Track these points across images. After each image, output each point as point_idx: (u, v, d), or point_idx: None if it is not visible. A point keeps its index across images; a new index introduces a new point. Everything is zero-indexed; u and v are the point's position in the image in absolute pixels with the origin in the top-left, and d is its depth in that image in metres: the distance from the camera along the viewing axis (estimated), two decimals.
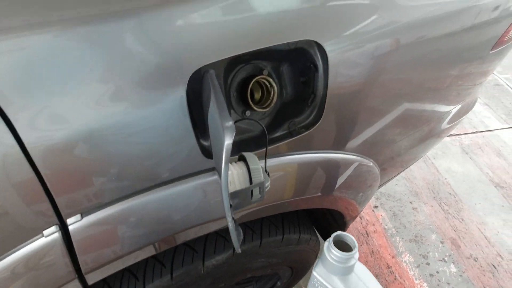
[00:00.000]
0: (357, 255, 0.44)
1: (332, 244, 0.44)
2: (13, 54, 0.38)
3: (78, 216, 0.49)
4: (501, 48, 0.80)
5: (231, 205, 0.38)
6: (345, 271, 0.44)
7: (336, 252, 0.43)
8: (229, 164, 0.42)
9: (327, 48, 0.53)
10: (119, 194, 0.51)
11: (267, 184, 0.46)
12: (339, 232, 0.45)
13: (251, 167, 0.42)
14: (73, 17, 0.40)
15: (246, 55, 0.49)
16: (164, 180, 0.52)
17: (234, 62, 0.51)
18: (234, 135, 0.35)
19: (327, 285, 0.45)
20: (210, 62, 0.45)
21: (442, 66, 0.74)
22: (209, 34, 0.45)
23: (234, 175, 0.42)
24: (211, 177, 0.56)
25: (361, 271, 0.44)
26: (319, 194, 0.74)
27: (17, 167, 0.41)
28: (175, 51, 0.44)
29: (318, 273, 0.46)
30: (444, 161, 1.93)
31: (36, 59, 0.39)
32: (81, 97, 0.41)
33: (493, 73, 2.66)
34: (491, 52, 0.78)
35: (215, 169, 0.54)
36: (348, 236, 0.44)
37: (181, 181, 0.54)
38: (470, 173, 1.88)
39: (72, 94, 0.41)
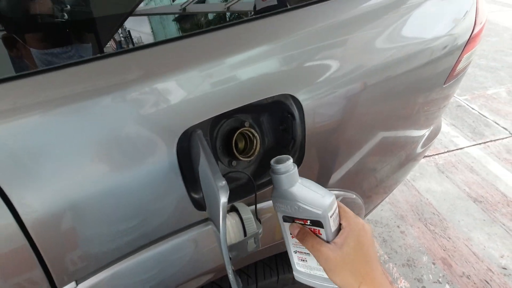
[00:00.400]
0: (291, 165, 0.47)
1: (272, 163, 0.48)
2: (6, 138, 0.40)
3: (73, 284, 0.48)
4: (453, 80, 0.89)
5: (230, 258, 0.39)
6: (290, 182, 0.46)
7: (273, 166, 0.47)
8: None
9: (301, 98, 0.58)
10: (113, 257, 0.50)
11: (260, 231, 0.47)
12: (278, 156, 0.49)
13: (243, 217, 0.44)
14: (59, 97, 0.43)
15: (228, 111, 0.52)
16: (158, 237, 0.53)
17: (218, 118, 0.55)
18: (228, 193, 0.37)
19: (281, 200, 0.48)
20: (196, 122, 0.49)
21: (408, 96, 0.82)
22: (195, 98, 0.49)
23: (229, 227, 0.43)
24: (204, 228, 0.56)
25: (306, 181, 0.48)
26: None
27: (11, 236, 0.41)
28: (163, 117, 0.48)
29: (273, 196, 0.49)
30: (423, 182, 2.01)
31: (28, 139, 0.41)
32: (73, 168, 0.43)
33: (454, 96, 2.87)
34: (444, 86, 0.87)
35: (208, 220, 0.55)
36: (285, 156, 0.49)
37: (175, 236, 0.54)
38: (449, 191, 1.95)
39: (64, 167, 0.43)
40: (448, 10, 0.78)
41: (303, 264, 0.50)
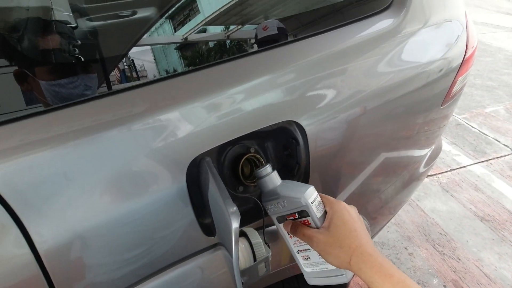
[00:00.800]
0: (270, 169, 0.54)
1: (255, 170, 0.54)
2: (24, 171, 0.42)
3: None
4: (450, 102, 0.91)
5: (242, 283, 0.39)
6: (272, 182, 0.53)
7: (256, 172, 0.54)
8: None
9: (304, 124, 0.60)
10: (121, 286, 0.50)
11: (269, 255, 0.48)
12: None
13: (253, 242, 0.44)
14: (68, 131, 0.45)
15: (234, 139, 0.54)
16: (168, 263, 0.53)
17: (224, 145, 0.57)
18: (239, 219, 0.38)
19: (270, 200, 0.53)
20: (204, 150, 0.51)
21: (408, 117, 0.84)
22: (203, 128, 0.52)
23: (238, 252, 0.44)
24: (213, 254, 0.56)
25: (287, 181, 0.54)
26: None
27: (27, 265, 0.42)
28: (173, 147, 0.50)
29: (263, 200, 0.55)
30: (428, 202, 1.99)
31: (43, 172, 0.43)
32: (85, 198, 0.44)
33: (453, 115, 2.90)
34: (441, 107, 0.89)
35: (217, 246, 0.56)
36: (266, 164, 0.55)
37: (184, 262, 0.54)
38: (455, 210, 1.93)
39: (77, 197, 0.44)
40: (440, 36, 0.82)
41: (308, 263, 0.52)
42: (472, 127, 2.75)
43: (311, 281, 0.51)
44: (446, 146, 2.49)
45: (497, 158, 2.39)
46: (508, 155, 2.43)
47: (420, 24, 0.77)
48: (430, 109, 0.90)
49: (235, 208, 0.40)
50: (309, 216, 0.49)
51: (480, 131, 2.69)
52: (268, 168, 0.54)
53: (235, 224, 0.38)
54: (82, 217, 0.44)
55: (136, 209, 0.47)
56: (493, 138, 2.61)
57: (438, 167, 2.27)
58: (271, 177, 0.53)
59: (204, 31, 1.00)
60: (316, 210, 0.49)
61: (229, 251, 0.38)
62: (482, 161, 2.35)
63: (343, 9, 0.81)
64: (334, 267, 0.48)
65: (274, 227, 0.66)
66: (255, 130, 0.56)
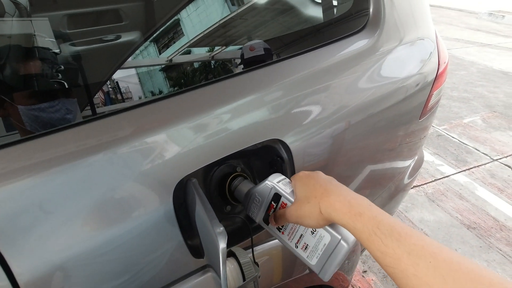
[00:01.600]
0: (242, 178, 0.58)
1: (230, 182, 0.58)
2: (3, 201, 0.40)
3: None
4: (428, 115, 0.95)
5: None
6: (246, 187, 0.56)
7: (232, 185, 0.58)
8: None
9: (288, 141, 0.61)
10: None
11: (258, 274, 0.47)
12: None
13: (241, 261, 0.44)
14: (51, 158, 0.44)
15: (221, 159, 0.54)
16: None
17: (211, 165, 0.57)
18: (226, 239, 0.38)
19: (249, 204, 0.54)
20: (191, 172, 0.51)
21: (390, 130, 0.87)
22: (189, 149, 0.52)
23: (227, 272, 0.43)
24: (202, 277, 0.55)
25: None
26: (307, 271, 0.75)
27: None
28: (159, 169, 0.49)
29: (245, 210, 0.56)
30: (415, 212, 2.02)
31: (24, 201, 0.42)
32: (69, 226, 0.43)
33: (433, 126, 3.00)
34: (420, 120, 0.93)
35: (206, 268, 0.54)
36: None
37: (174, 286, 0.53)
38: (442, 220, 1.96)
39: (60, 226, 0.43)
40: (415, 53, 0.86)
41: (310, 253, 0.50)
42: (453, 137, 2.85)
43: (325, 275, 0.48)
44: (429, 156, 2.55)
45: (478, 166, 2.47)
46: (488, 163, 2.51)
47: (396, 42, 0.81)
48: (410, 122, 0.94)
49: (222, 228, 0.39)
50: (281, 196, 0.50)
51: (460, 141, 2.78)
52: (239, 178, 0.56)
53: (222, 245, 0.37)
54: (64, 246, 0.43)
55: (121, 234, 0.46)
56: (473, 148, 2.70)
57: (423, 177, 2.32)
58: (243, 184, 0.56)
59: (188, 52, 1.03)
60: (284, 188, 0.51)
61: (217, 272, 0.38)
62: (464, 170, 2.42)
63: (323, 29, 0.84)
64: (328, 238, 0.46)
65: (263, 245, 0.65)
66: (240, 149, 0.56)
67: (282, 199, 0.50)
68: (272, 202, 0.51)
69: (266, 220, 0.54)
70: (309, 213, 0.45)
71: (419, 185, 2.24)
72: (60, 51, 0.73)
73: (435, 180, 2.30)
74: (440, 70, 0.87)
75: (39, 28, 0.69)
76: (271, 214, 0.53)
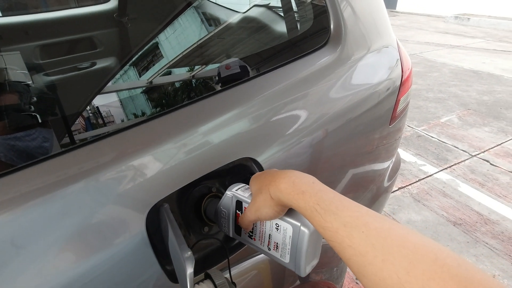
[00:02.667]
0: (211, 199, 0.58)
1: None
2: None
3: None
4: (397, 120, 0.99)
5: None
6: (214, 207, 0.57)
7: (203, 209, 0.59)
8: (196, 285, 0.45)
9: (260, 158, 0.63)
10: None
11: None
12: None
13: (217, 283, 0.45)
14: (29, 190, 0.43)
15: (195, 180, 0.55)
16: None
17: (186, 188, 0.57)
18: (194, 263, 0.39)
19: (220, 222, 0.55)
20: (164, 196, 0.51)
21: (367, 133, 0.90)
22: (160, 173, 0.52)
23: None
24: None
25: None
26: (298, 283, 0.75)
27: None
28: (130, 196, 0.49)
29: (219, 228, 0.57)
30: (403, 214, 2.05)
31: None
32: (40, 263, 0.43)
33: (412, 127, 3.09)
34: (390, 126, 0.97)
35: None
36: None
37: None
38: (429, 219, 2.00)
39: (32, 260, 0.42)
40: (383, 60, 0.90)
41: (281, 250, 0.49)
42: (432, 137, 2.93)
43: (300, 270, 0.47)
44: (411, 157, 2.62)
45: (458, 163, 2.54)
46: (467, 159, 2.59)
47: (365, 50, 0.85)
48: (384, 125, 0.97)
49: (189, 253, 0.40)
50: (242, 202, 0.51)
51: (440, 140, 2.87)
52: (209, 198, 0.57)
53: (189, 269, 0.38)
54: (39, 282, 0.42)
55: (97, 265, 0.45)
56: (452, 145, 2.79)
57: (407, 178, 2.37)
58: (212, 203, 0.57)
59: (169, 72, 1.04)
60: (243, 193, 0.51)
61: None
62: (446, 168, 2.49)
63: (290, 46, 0.87)
64: (291, 229, 0.46)
65: (250, 260, 0.65)
66: (214, 169, 0.57)
67: (243, 204, 0.51)
68: (237, 211, 0.52)
69: (238, 232, 0.54)
70: (263, 202, 0.45)
71: (404, 187, 2.29)
72: (33, 82, 0.73)
73: (419, 180, 2.36)
74: (404, 77, 0.91)
75: (10, 61, 0.69)
76: (239, 225, 0.53)
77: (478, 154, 2.66)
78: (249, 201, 0.49)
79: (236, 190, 0.52)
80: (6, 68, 0.67)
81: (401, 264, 0.29)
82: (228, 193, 0.52)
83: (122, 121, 0.69)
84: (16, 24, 0.85)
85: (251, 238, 0.52)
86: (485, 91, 3.91)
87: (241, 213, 0.51)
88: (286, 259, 0.48)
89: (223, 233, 0.59)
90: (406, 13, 9.87)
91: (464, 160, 2.58)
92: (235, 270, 0.61)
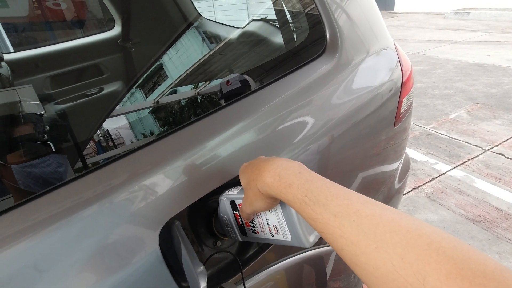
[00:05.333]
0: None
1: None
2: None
3: None
4: (402, 121, 0.99)
5: None
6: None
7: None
8: None
9: None
10: None
11: None
12: None
13: None
14: (47, 216, 0.45)
15: (205, 196, 0.56)
16: None
17: (196, 204, 0.58)
18: (207, 278, 0.39)
19: (224, 227, 0.56)
20: (174, 214, 0.52)
21: (373, 136, 0.90)
22: (170, 191, 0.53)
23: None
24: None
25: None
26: None
27: None
28: (144, 215, 0.50)
29: (227, 235, 0.58)
30: (419, 215, 2.02)
31: (20, 264, 0.42)
32: (66, 282, 0.44)
33: (421, 126, 3.06)
34: (394, 127, 0.97)
35: None
36: None
37: None
38: (446, 218, 1.96)
39: (58, 282, 0.43)
40: (383, 62, 0.91)
41: (282, 232, 0.49)
42: (442, 134, 2.90)
43: (301, 242, 0.47)
44: (422, 157, 2.59)
45: (472, 159, 2.50)
46: (481, 154, 2.54)
47: (364, 54, 0.87)
48: (390, 126, 0.97)
49: (202, 267, 0.41)
50: (235, 200, 0.52)
51: (450, 137, 2.83)
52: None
53: (202, 284, 0.39)
54: None
55: (115, 285, 0.47)
56: (464, 141, 2.74)
57: (420, 178, 2.34)
58: (217, 216, 0.57)
59: (175, 91, 1.07)
60: (233, 191, 0.53)
61: None
62: (459, 165, 2.44)
63: (295, 54, 0.89)
64: (278, 206, 0.46)
65: (266, 271, 0.65)
66: (223, 183, 0.58)
67: (237, 202, 0.51)
68: (234, 212, 0.52)
69: (244, 232, 0.54)
70: (254, 197, 0.44)
71: (418, 187, 2.26)
72: (45, 112, 0.77)
73: (432, 179, 2.32)
74: (405, 78, 0.92)
75: (24, 94, 0.72)
76: (246, 226, 0.53)
77: (491, 148, 2.61)
78: (241, 196, 0.49)
79: (227, 193, 0.53)
80: (20, 101, 0.71)
81: (395, 251, 0.28)
82: (221, 197, 0.54)
83: (132, 142, 0.71)
84: (27, 58, 0.89)
85: (255, 233, 0.53)
86: (493, 84, 3.85)
87: (238, 212, 0.52)
88: (288, 237, 0.48)
89: (235, 246, 0.59)
90: (404, 13, 9.89)
91: (478, 155, 2.53)
92: (251, 282, 0.61)
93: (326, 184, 0.38)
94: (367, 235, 0.31)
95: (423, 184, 2.28)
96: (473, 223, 1.90)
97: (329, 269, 0.78)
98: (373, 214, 0.32)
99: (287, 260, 0.68)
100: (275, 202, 0.45)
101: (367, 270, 0.30)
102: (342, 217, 0.33)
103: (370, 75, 0.87)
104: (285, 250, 0.69)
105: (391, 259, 0.28)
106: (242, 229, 0.54)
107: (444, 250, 0.27)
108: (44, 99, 0.82)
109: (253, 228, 0.52)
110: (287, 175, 0.40)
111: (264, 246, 0.65)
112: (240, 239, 0.55)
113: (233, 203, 0.52)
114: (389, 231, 0.30)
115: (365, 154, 0.90)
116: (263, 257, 0.64)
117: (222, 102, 0.81)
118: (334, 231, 0.33)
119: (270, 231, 0.50)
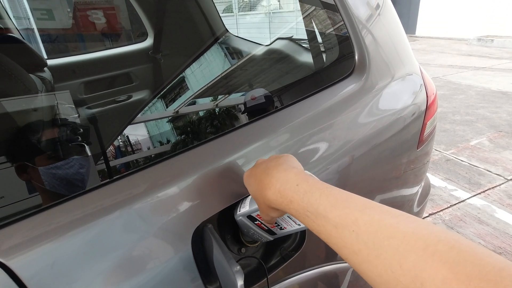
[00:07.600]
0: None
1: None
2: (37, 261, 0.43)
3: None
4: (424, 144, 0.99)
5: None
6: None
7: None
8: None
9: None
10: None
11: None
12: None
13: None
14: (72, 220, 0.47)
15: (234, 203, 0.58)
16: None
17: (224, 210, 0.59)
18: (243, 276, 0.40)
19: (246, 231, 0.56)
20: (206, 218, 0.54)
21: (394, 158, 0.90)
22: (203, 198, 0.55)
23: None
24: None
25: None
26: None
27: None
28: (177, 219, 0.52)
29: (253, 238, 0.58)
30: None
31: (49, 265, 0.44)
32: (96, 283, 0.46)
33: (440, 151, 3.00)
34: (417, 150, 0.96)
35: None
36: None
37: None
38: None
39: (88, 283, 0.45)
40: (407, 86, 0.92)
41: (287, 223, 0.52)
42: (462, 161, 2.83)
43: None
44: (440, 182, 2.52)
45: (493, 188, 2.42)
46: (503, 183, 2.46)
47: (389, 78, 0.88)
48: (412, 149, 0.97)
49: (238, 267, 0.41)
50: (251, 214, 0.53)
51: (470, 164, 2.76)
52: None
53: (240, 282, 0.39)
54: None
55: (142, 285, 0.48)
56: (484, 169, 2.67)
57: (438, 204, 2.27)
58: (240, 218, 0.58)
59: (194, 103, 1.10)
60: (245, 206, 0.54)
61: None
62: (479, 193, 2.37)
63: (317, 76, 0.91)
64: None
65: (291, 279, 0.66)
66: (247, 195, 0.59)
67: (253, 214, 0.53)
68: (255, 222, 0.54)
69: (272, 233, 0.56)
70: (267, 210, 0.46)
71: (435, 213, 2.19)
72: (79, 115, 0.81)
73: (450, 206, 2.26)
74: (429, 102, 0.92)
75: (61, 98, 0.77)
76: (268, 227, 0.55)
77: None
78: (254, 208, 0.51)
79: (240, 211, 0.55)
80: (57, 103, 0.75)
81: (393, 258, 0.29)
82: (236, 218, 0.55)
83: (163, 147, 0.74)
84: (66, 64, 0.95)
85: (283, 229, 0.55)
86: None
87: (259, 222, 0.54)
88: (299, 225, 0.51)
89: (259, 253, 0.60)
90: (426, 38, 9.87)
91: (500, 185, 2.45)
92: None
93: (324, 192, 0.38)
94: (367, 244, 0.31)
95: (440, 210, 2.21)
96: None
97: (344, 286, 0.77)
98: (371, 221, 0.33)
99: (302, 275, 0.68)
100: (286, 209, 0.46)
101: (371, 278, 0.31)
102: (342, 228, 0.34)
103: (392, 99, 0.87)
104: (302, 267, 0.69)
105: (391, 266, 0.29)
106: (269, 231, 0.56)
107: (440, 254, 0.27)
108: (78, 104, 0.87)
109: (279, 226, 0.54)
110: (286, 190, 0.41)
111: (286, 256, 0.65)
112: (272, 239, 0.57)
113: (250, 217, 0.54)
114: (387, 238, 0.30)
115: (384, 176, 0.89)
116: (284, 268, 0.64)
117: (245, 116, 0.83)
118: (337, 242, 0.34)
119: (295, 222, 0.52)
